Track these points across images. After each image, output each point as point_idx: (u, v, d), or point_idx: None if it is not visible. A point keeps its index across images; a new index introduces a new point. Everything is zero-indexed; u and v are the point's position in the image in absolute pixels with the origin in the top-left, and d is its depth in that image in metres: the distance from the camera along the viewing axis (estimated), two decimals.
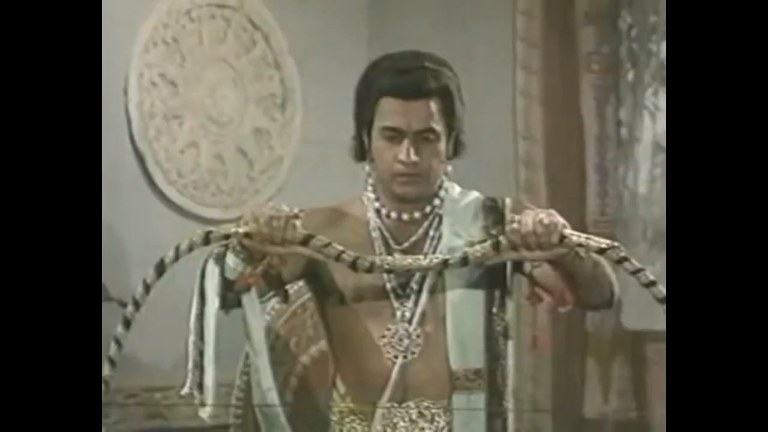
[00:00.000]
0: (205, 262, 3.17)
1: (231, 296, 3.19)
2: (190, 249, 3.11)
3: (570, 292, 3.21)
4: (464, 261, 3.15)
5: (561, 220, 3.09)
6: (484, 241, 3.21)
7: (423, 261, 3.20)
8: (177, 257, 3.12)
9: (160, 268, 3.12)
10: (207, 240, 3.11)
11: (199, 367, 3.19)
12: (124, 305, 3.20)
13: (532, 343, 5.70)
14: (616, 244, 3.13)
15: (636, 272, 3.10)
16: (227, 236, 3.11)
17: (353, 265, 3.14)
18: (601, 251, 3.11)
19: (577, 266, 3.13)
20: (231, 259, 3.14)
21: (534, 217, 3.07)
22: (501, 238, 3.12)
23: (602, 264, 3.18)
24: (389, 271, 3.22)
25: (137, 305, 3.15)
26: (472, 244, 3.24)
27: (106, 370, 3.19)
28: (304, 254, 3.14)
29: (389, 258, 3.22)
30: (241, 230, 3.09)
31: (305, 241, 3.10)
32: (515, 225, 3.08)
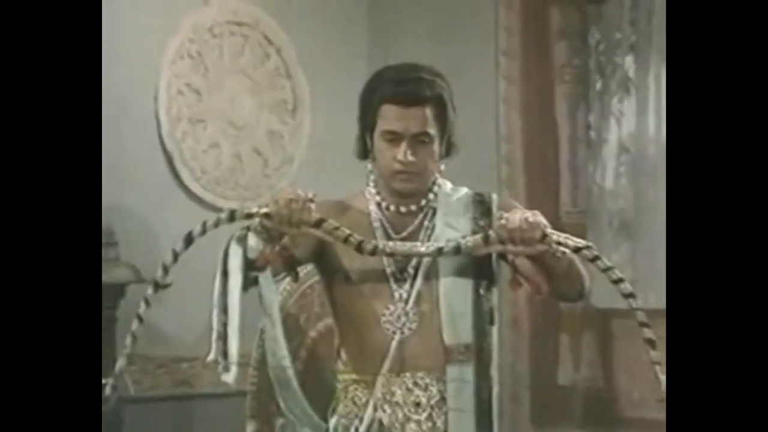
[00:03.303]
0: (228, 243, 3.14)
1: (250, 275, 3.16)
2: (216, 225, 3.10)
3: (546, 283, 3.21)
4: (457, 250, 3.15)
5: (544, 220, 3.10)
6: (475, 233, 3.22)
7: (421, 248, 3.19)
8: (204, 231, 3.12)
9: (188, 240, 3.13)
10: (232, 218, 3.10)
11: (223, 337, 3.14)
12: (155, 286, 3.18)
13: (514, 322, 5.70)
14: (590, 244, 3.14)
15: (606, 270, 3.12)
16: (250, 215, 3.09)
17: (359, 248, 3.13)
18: (577, 250, 3.12)
19: (554, 262, 3.14)
20: (252, 240, 3.11)
21: (520, 215, 3.08)
22: (490, 231, 3.12)
23: (576, 263, 3.18)
24: (390, 255, 3.19)
25: (166, 270, 3.14)
26: (462, 234, 3.24)
27: (128, 341, 3.20)
28: (317, 235, 3.13)
29: (391, 243, 3.19)
30: (262, 211, 3.07)
31: (318, 223, 3.09)
32: (503, 221, 3.09)
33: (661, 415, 3.25)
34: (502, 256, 3.27)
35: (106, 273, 5.01)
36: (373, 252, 3.15)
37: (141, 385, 5.23)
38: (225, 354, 3.16)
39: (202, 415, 5.22)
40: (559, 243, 3.10)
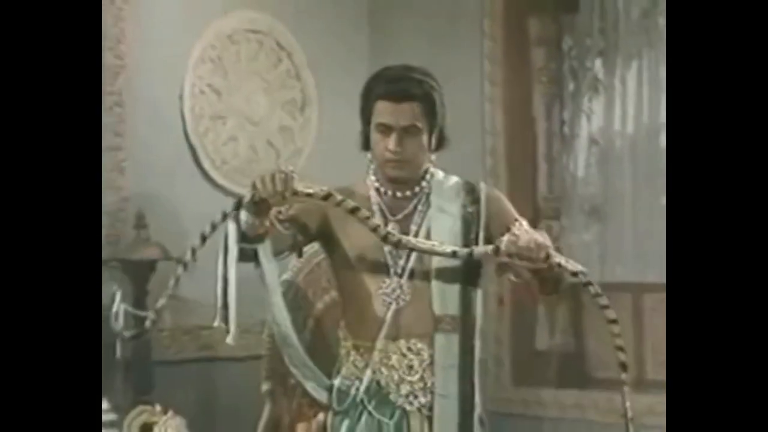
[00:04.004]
0: (226, 224, 3.15)
1: (248, 248, 3.16)
2: (224, 219, 3.15)
3: (537, 288, 3.21)
4: (470, 255, 3.17)
5: (549, 242, 3.11)
6: (464, 217, 3.24)
7: (438, 247, 3.19)
8: (225, 218, 3.15)
9: (212, 228, 3.16)
10: (239, 205, 3.13)
11: (225, 306, 3.18)
12: (182, 263, 3.19)
13: (499, 302, 5.67)
14: (585, 270, 3.16)
15: (595, 296, 3.16)
16: (250, 199, 3.10)
17: (384, 238, 3.16)
18: (574, 274, 3.14)
19: (548, 274, 3.15)
20: (243, 215, 3.11)
21: (530, 235, 3.09)
22: (501, 245, 3.10)
23: (564, 274, 3.17)
24: (411, 249, 3.20)
25: (204, 239, 3.16)
26: (452, 217, 3.26)
27: (151, 315, 3.23)
28: (325, 206, 3.17)
29: (413, 239, 3.20)
30: (251, 190, 3.09)
31: (326, 197, 3.12)
32: (513, 238, 3.09)
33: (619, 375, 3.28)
34: (496, 250, 3.30)
35: (138, 252, 5.07)
36: (397, 244, 3.16)
37: (170, 349, 5.23)
38: (227, 320, 3.20)
39: (223, 376, 5.22)
40: (559, 265, 3.11)
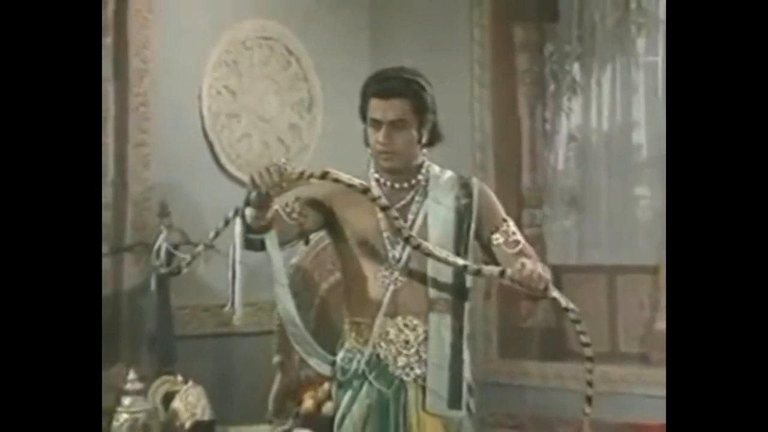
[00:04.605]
0: (234, 221, 3.13)
1: (255, 238, 3.12)
2: (236, 213, 3.11)
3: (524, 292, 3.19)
4: (477, 272, 3.14)
5: (549, 276, 3.09)
6: (457, 208, 3.23)
7: (450, 258, 3.13)
8: (236, 214, 3.12)
9: (235, 213, 3.11)
10: (247, 202, 3.08)
11: (233, 292, 3.17)
12: (205, 246, 3.20)
13: (486, 296, 5.64)
14: (575, 309, 3.10)
15: (580, 333, 3.12)
16: (255, 196, 3.04)
17: (407, 240, 3.11)
18: (565, 310, 3.10)
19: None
20: (248, 210, 3.07)
21: (534, 267, 3.05)
22: (507, 271, 3.08)
23: (551, 288, 3.12)
24: (426, 254, 3.14)
25: (227, 223, 3.12)
26: (446, 208, 3.25)
27: (187, 258, 3.22)
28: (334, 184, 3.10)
29: (430, 246, 3.13)
30: (249, 185, 3.04)
31: (323, 175, 3.05)
32: (519, 266, 3.06)
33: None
34: (485, 247, 3.30)
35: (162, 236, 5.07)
36: (416, 247, 3.12)
37: (190, 325, 5.23)
38: (233, 303, 3.18)
39: (239, 350, 5.22)
40: (554, 298, 3.08)
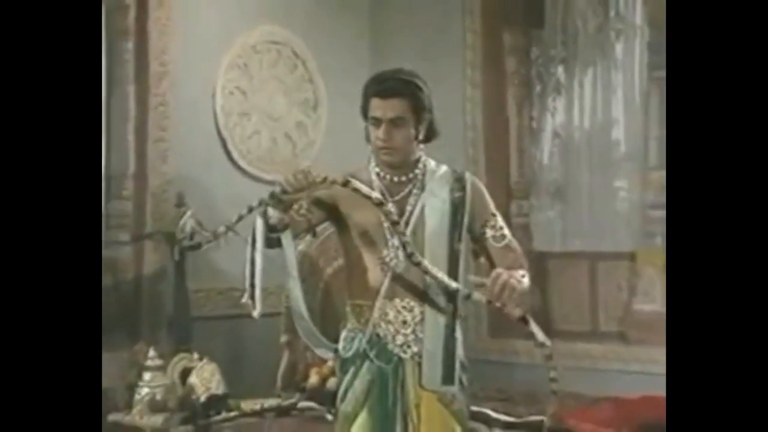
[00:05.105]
0: (255, 218, 3.11)
1: (273, 237, 3.12)
2: (260, 204, 3.08)
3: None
4: (468, 296, 3.09)
5: (525, 286, 3.07)
6: (452, 200, 3.22)
7: (446, 279, 3.10)
8: (250, 210, 3.10)
9: (259, 204, 3.08)
10: (272, 197, 3.05)
11: (251, 285, 3.16)
12: (227, 228, 3.19)
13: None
14: (549, 345, 3.06)
15: (550, 368, 3.09)
16: (282, 193, 3.02)
17: (409, 257, 3.08)
18: (540, 345, 3.05)
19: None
20: (271, 211, 3.07)
21: (507, 278, 3.00)
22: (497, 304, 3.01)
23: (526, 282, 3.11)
24: (425, 272, 3.11)
25: (250, 210, 3.09)
26: (441, 200, 3.25)
27: (209, 236, 3.19)
28: (331, 192, 3.11)
29: (429, 265, 3.09)
30: (277, 187, 3.02)
31: (345, 183, 3.03)
32: (493, 276, 3.01)
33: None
34: (478, 242, 3.28)
35: (178, 225, 5.07)
36: (418, 264, 3.09)
37: (205, 307, 5.23)
38: (253, 298, 3.18)
39: (249, 330, 5.17)
40: (532, 334, 3.04)
